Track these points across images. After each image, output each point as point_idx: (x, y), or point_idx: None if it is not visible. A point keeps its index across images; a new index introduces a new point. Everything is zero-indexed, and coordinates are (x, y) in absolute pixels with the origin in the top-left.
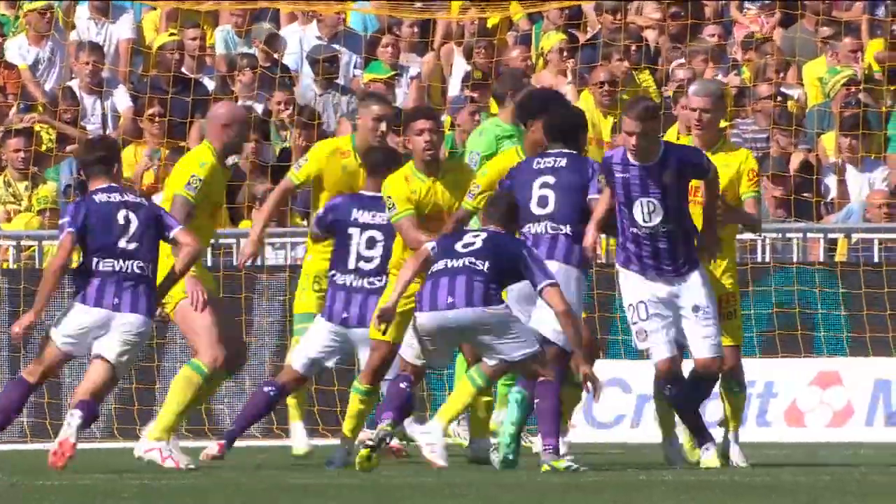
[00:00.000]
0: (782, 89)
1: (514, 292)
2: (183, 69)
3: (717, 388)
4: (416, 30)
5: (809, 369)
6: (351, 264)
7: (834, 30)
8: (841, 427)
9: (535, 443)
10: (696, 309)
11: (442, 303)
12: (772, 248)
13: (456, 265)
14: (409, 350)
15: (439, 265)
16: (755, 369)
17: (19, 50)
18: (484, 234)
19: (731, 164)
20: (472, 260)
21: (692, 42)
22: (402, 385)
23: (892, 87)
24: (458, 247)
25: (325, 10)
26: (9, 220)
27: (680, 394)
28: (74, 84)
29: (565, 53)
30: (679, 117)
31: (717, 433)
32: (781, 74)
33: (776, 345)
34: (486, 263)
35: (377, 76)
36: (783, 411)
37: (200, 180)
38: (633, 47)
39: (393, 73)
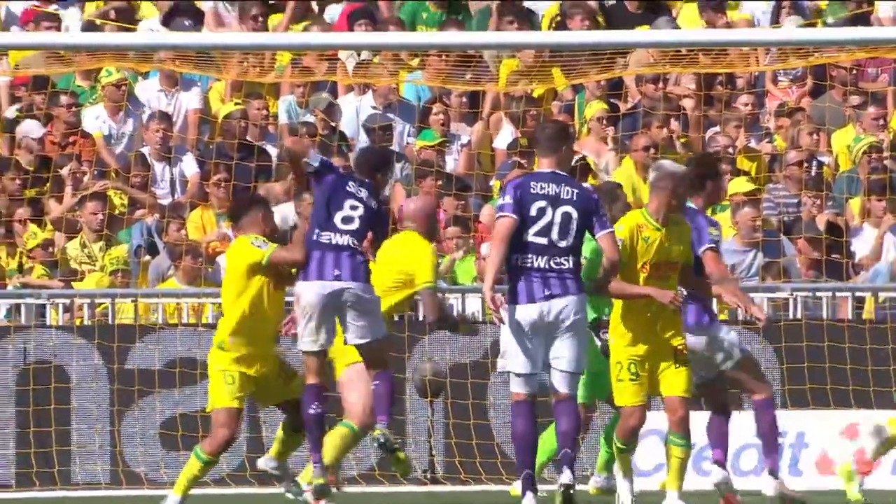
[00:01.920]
0: (815, 157)
1: None
2: (247, 137)
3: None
4: (465, 100)
5: (839, 421)
6: None
7: (861, 99)
8: (868, 475)
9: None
10: None
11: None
12: (803, 306)
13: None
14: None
15: None
16: (788, 421)
17: (97, 119)
18: None
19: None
20: None
21: (727, 111)
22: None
23: None
24: None
25: (380, 82)
26: (82, 279)
27: None
28: (146, 151)
29: (605, 122)
30: None
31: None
32: (815, 137)
33: (807, 398)
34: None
35: (428, 143)
36: (814, 461)
37: None
38: (672, 116)
39: (443, 140)
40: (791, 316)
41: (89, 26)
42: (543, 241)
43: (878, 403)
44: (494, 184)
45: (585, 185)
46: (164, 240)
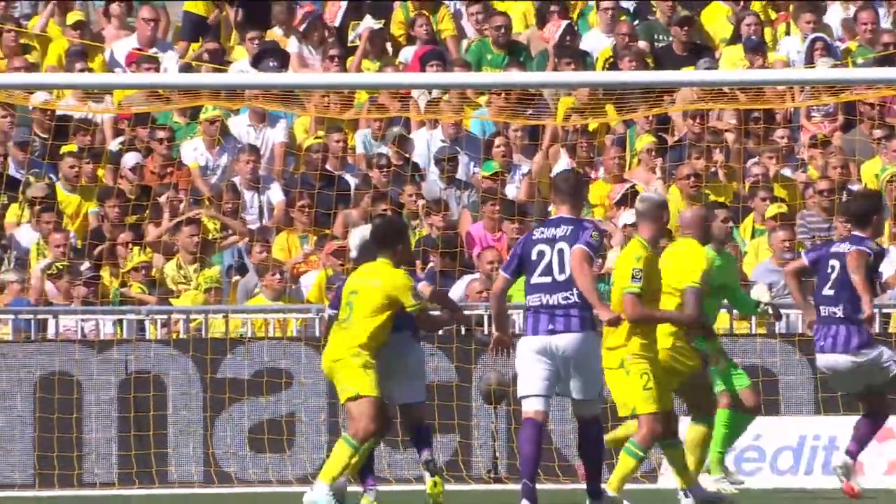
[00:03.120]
0: (846, 185)
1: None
2: (328, 167)
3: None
4: (523, 133)
5: None
6: None
7: (885, 132)
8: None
9: None
10: None
11: None
12: None
13: None
14: None
15: None
16: (821, 426)
17: (194, 152)
18: None
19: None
20: None
21: (764, 143)
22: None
23: None
24: None
25: (448, 119)
26: (178, 296)
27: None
28: (236, 180)
29: (653, 153)
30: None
31: None
32: (845, 168)
33: (839, 404)
34: None
35: (489, 173)
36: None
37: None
38: (714, 148)
39: (499, 170)
40: None
41: (185, 68)
42: (547, 279)
43: None
44: (552, 209)
45: (588, 221)
46: (252, 261)
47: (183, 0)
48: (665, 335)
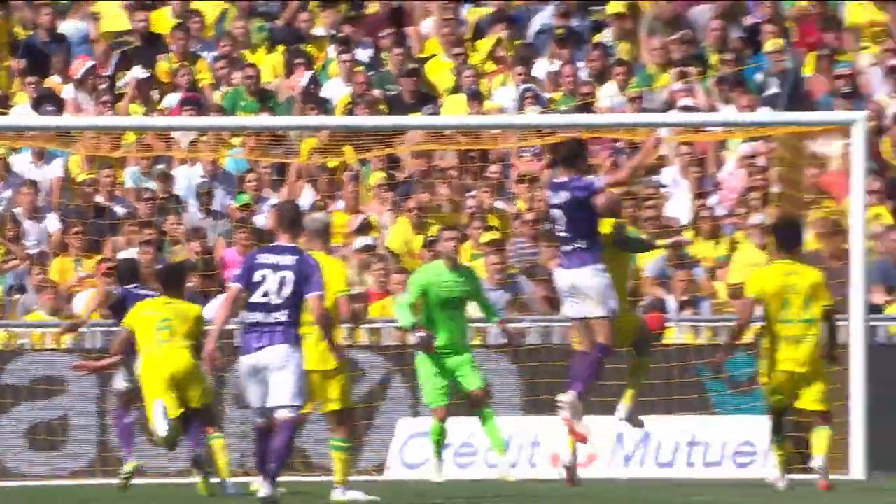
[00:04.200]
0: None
1: None
2: (99, 199)
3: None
4: (272, 170)
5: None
6: None
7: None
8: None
9: None
10: None
11: None
12: (540, 334)
13: None
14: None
15: None
16: (527, 426)
17: None
18: None
19: None
20: None
21: (481, 179)
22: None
23: None
24: None
25: (206, 157)
26: None
27: None
28: (18, 211)
29: (385, 188)
30: None
31: None
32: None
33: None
34: None
35: (241, 204)
36: (549, 456)
37: None
38: (439, 183)
39: (250, 202)
40: (531, 341)
41: None
42: (265, 300)
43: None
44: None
45: (305, 254)
46: (30, 282)
47: None
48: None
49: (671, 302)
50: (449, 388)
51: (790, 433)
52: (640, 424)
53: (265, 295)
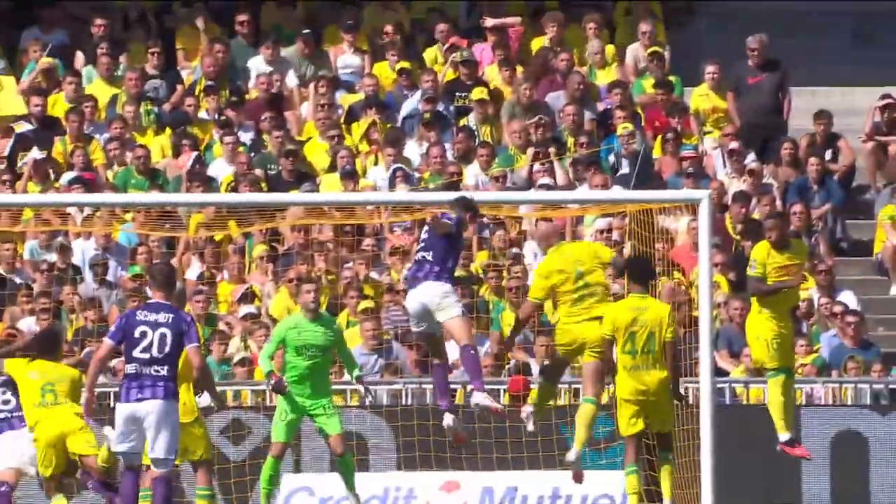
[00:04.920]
0: None
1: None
2: (0, 270)
3: None
4: (161, 242)
5: (440, 479)
6: None
7: None
8: None
9: None
10: None
11: None
12: (413, 394)
13: None
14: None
15: None
16: (404, 481)
17: None
18: None
19: None
20: None
21: (356, 252)
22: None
23: None
24: None
25: (100, 231)
26: None
27: None
28: None
29: (267, 259)
30: None
31: None
32: None
33: (417, 462)
34: None
35: (134, 274)
36: None
37: None
38: (316, 255)
39: (142, 273)
40: (405, 402)
41: None
42: (146, 355)
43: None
44: (187, 308)
45: (180, 310)
46: None
47: None
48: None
49: (534, 365)
50: (294, 428)
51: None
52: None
53: (146, 350)
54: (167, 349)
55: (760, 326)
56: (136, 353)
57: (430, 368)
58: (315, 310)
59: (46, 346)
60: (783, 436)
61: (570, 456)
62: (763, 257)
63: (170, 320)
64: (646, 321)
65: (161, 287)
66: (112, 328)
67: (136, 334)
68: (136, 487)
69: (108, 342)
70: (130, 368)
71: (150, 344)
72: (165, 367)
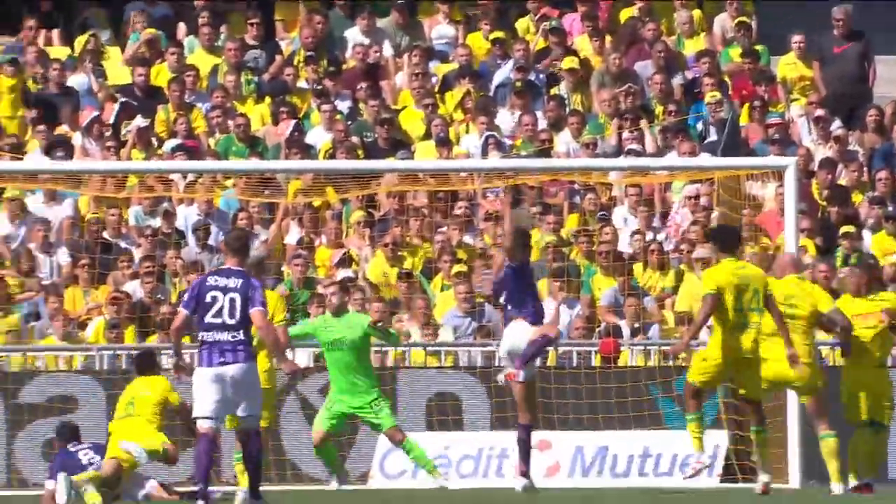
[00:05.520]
0: None
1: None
2: (105, 235)
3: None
4: (262, 209)
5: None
6: None
7: (542, 209)
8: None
9: None
10: None
11: None
12: None
13: None
14: None
15: None
16: (495, 440)
17: None
18: None
19: None
20: None
21: (450, 217)
22: None
23: None
24: None
25: (202, 197)
26: None
27: None
28: (32, 246)
29: (363, 225)
30: None
31: None
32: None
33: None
34: None
35: None
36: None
37: None
38: (411, 220)
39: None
40: (498, 363)
41: None
42: (218, 320)
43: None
44: (285, 269)
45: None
46: (45, 309)
47: None
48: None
49: (624, 328)
50: (341, 422)
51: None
52: None
53: (217, 314)
54: (238, 314)
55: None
56: (209, 318)
57: None
58: (339, 308)
59: (144, 365)
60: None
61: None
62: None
63: (239, 285)
64: (748, 278)
65: (235, 253)
66: (185, 297)
67: (208, 299)
68: (211, 452)
69: (182, 311)
70: (206, 336)
71: (221, 309)
72: (240, 332)
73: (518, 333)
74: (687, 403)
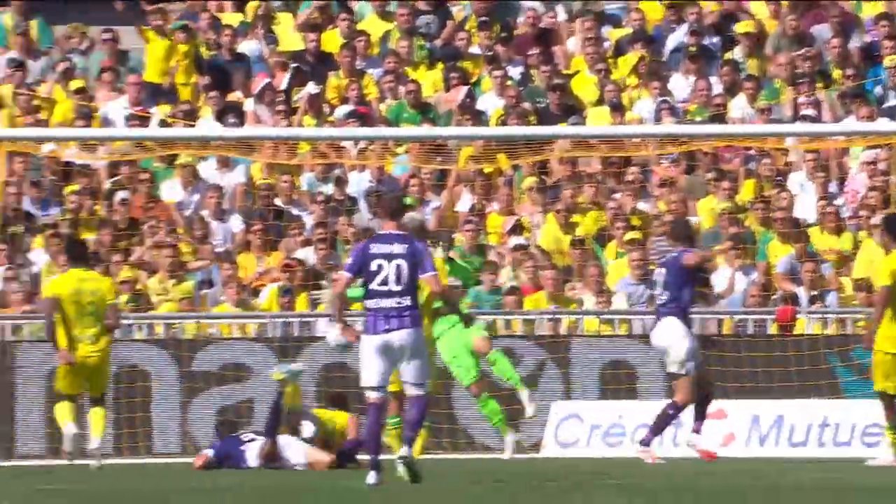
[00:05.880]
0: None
1: None
2: (277, 202)
3: None
4: (433, 175)
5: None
6: None
7: (717, 175)
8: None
9: None
10: None
11: None
12: None
13: None
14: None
15: None
16: None
17: (172, 190)
18: None
19: None
20: None
21: (623, 184)
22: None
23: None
24: None
25: (374, 164)
26: (155, 306)
27: None
28: (205, 213)
29: (535, 191)
30: None
31: None
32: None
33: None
34: None
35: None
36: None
37: None
38: (584, 186)
39: (414, 204)
40: None
41: (163, 123)
42: (384, 288)
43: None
44: (458, 236)
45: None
46: (218, 276)
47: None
48: None
49: (802, 295)
50: (478, 366)
51: None
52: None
53: (384, 282)
54: (404, 280)
55: None
56: (375, 286)
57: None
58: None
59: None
60: None
61: None
62: None
63: (405, 251)
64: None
65: (392, 216)
66: (349, 260)
67: (373, 267)
68: (380, 422)
69: (345, 275)
70: (371, 303)
71: (387, 277)
72: (407, 298)
73: (669, 334)
74: (885, 415)
